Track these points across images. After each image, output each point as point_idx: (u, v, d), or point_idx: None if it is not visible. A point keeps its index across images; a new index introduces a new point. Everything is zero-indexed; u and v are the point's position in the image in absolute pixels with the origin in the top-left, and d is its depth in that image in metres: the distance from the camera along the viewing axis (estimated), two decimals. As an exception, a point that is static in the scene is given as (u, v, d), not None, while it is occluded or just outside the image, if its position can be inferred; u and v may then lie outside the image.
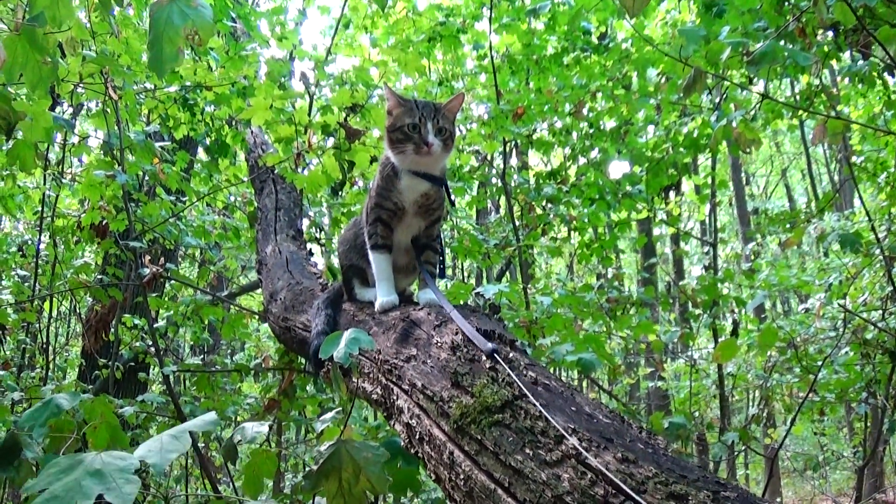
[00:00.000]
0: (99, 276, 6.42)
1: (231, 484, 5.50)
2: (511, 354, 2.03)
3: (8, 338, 7.73)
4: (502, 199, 8.24)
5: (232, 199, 7.05)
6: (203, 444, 5.82)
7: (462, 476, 1.79)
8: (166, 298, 7.02)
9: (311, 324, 3.19)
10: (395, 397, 2.28)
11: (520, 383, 1.83)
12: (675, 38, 5.88)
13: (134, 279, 5.85)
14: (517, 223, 7.55)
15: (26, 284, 6.75)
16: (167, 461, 1.79)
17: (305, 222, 5.85)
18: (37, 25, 2.42)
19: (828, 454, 12.64)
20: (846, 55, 6.36)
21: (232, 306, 6.38)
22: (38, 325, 8.15)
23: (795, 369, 7.10)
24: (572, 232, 7.55)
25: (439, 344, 2.20)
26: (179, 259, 9.78)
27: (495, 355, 2.00)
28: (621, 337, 6.50)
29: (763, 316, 13.25)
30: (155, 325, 5.83)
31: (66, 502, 1.57)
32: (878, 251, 6.22)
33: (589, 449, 1.56)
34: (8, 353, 7.92)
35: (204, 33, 2.24)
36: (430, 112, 2.67)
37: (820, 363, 6.16)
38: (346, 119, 4.77)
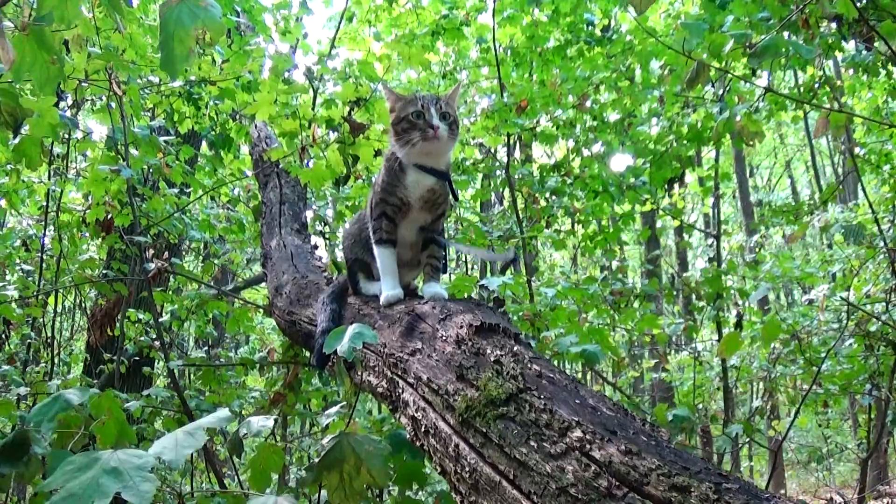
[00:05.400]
0: (104, 271, 6.44)
1: (236, 477, 5.51)
2: (515, 348, 2.04)
3: (13, 333, 7.75)
4: (506, 192, 8.24)
5: (236, 192, 7.06)
6: (208, 439, 5.84)
7: (467, 468, 1.80)
8: (171, 293, 7.03)
9: (317, 318, 3.19)
10: (400, 390, 2.29)
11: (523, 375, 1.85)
12: (678, 29, 5.87)
13: (139, 274, 5.87)
14: (521, 215, 7.55)
15: (31, 279, 6.76)
16: (183, 457, 1.81)
17: (310, 216, 5.86)
18: (44, 24, 2.43)
19: (832, 446, 12.65)
20: (850, 45, 6.35)
21: (236, 300, 6.39)
22: (42, 320, 8.17)
23: (799, 361, 7.11)
24: (576, 224, 7.56)
25: (444, 337, 2.21)
26: (184, 253, 9.80)
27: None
28: (625, 329, 6.51)
29: (767, 308, 13.26)
30: (160, 320, 5.84)
31: (83, 501, 1.58)
32: (881, 243, 6.22)
33: (593, 441, 1.57)
34: (13, 348, 7.94)
35: (214, 33, 2.25)
36: (432, 100, 2.71)
37: (823, 355, 6.16)
38: (349, 113, 4.77)
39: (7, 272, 6.88)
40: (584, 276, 8.33)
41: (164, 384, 7.22)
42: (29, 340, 7.93)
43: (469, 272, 14.89)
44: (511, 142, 8.11)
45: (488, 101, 7.95)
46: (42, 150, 3.71)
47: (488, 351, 2.03)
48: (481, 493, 1.75)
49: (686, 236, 14.47)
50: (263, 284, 6.86)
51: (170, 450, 1.81)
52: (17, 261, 6.97)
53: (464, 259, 15.42)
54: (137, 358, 6.57)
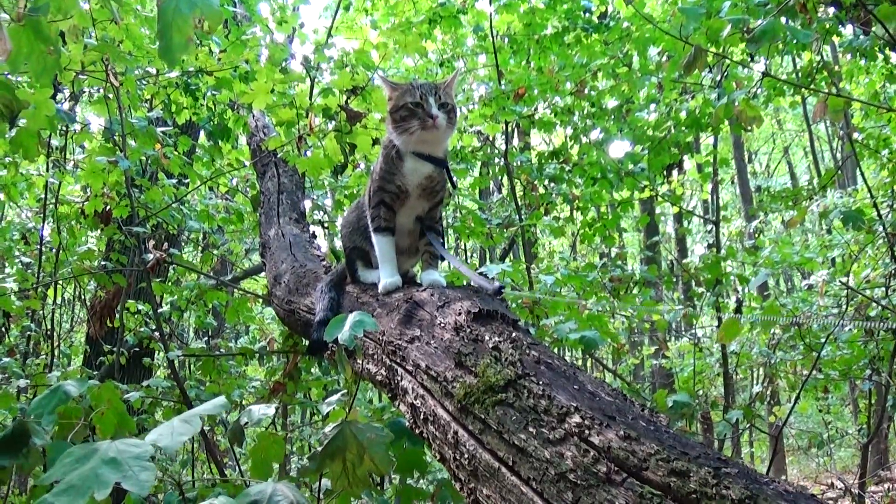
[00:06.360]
0: (103, 263, 6.44)
1: (237, 467, 5.52)
2: (514, 334, 2.03)
3: (13, 325, 7.75)
4: (505, 180, 8.23)
5: (234, 182, 7.05)
6: (209, 428, 5.85)
7: (466, 455, 1.80)
8: (170, 283, 7.03)
9: (315, 307, 3.19)
10: (399, 378, 2.29)
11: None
12: (675, 15, 5.85)
13: (138, 265, 5.87)
14: (520, 203, 7.55)
15: (30, 271, 6.76)
16: (178, 444, 1.81)
17: (308, 205, 5.85)
18: (41, 14, 2.41)
19: (832, 431, 12.67)
20: (847, 30, 6.33)
21: (236, 290, 6.39)
22: (42, 313, 8.17)
23: (799, 347, 7.11)
24: (575, 211, 7.55)
25: (442, 325, 2.21)
26: (183, 244, 9.80)
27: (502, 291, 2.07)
28: (625, 316, 6.51)
29: (766, 293, 13.25)
30: (159, 311, 5.84)
31: (82, 492, 1.58)
32: (880, 228, 6.21)
33: (591, 427, 1.57)
34: (13, 340, 7.94)
35: (212, 21, 2.24)
36: (429, 89, 2.70)
37: (823, 340, 6.16)
38: (346, 102, 4.76)
39: (6, 265, 6.87)
40: (583, 263, 8.33)
41: (164, 375, 7.22)
42: (29, 332, 7.93)
43: (468, 260, 14.89)
44: (509, 129, 8.10)
45: (486, 88, 7.94)
46: (40, 141, 3.70)
47: (487, 337, 2.02)
48: (480, 480, 1.75)
49: (685, 223, 14.45)
50: (262, 274, 6.86)
51: (166, 437, 1.81)
52: (17, 253, 6.97)
53: (463, 247, 15.41)
54: (137, 349, 6.57)
